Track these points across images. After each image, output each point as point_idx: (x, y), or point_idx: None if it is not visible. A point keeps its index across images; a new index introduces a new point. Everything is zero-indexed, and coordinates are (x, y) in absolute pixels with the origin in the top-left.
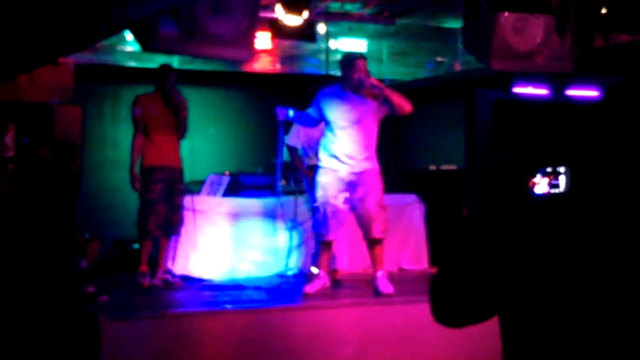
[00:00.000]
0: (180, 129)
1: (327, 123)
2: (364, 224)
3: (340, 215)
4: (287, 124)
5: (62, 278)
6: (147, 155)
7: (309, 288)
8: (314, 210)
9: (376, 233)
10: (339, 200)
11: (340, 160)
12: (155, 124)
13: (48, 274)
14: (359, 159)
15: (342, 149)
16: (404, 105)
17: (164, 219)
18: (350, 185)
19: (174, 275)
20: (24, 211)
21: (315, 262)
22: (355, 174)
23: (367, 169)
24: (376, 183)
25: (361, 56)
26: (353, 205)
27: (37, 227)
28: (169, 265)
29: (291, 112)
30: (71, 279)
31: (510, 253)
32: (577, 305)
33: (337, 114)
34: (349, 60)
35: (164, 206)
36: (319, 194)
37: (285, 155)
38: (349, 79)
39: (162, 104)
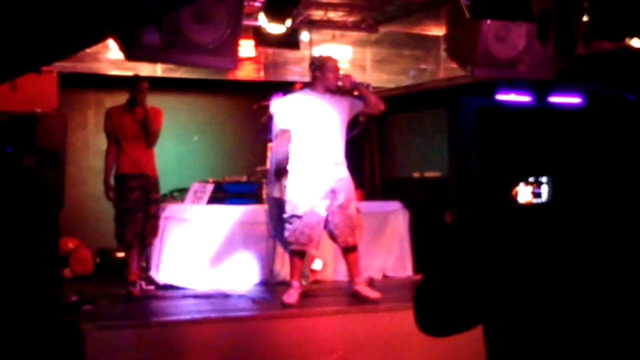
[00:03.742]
0: (149, 139)
1: (299, 130)
2: (343, 231)
3: (321, 224)
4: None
5: (45, 287)
6: (121, 164)
7: (288, 298)
8: (293, 219)
9: (355, 239)
10: (320, 208)
11: (317, 168)
12: (126, 135)
13: (31, 284)
14: (337, 163)
15: (318, 155)
16: (379, 103)
17: (140, 228)
18: (331, 193)
19: (148, 283)
20: (6, 220)
21: (291, 272)
22: (334, 180)
23: (344, 176)
24: (352, 188)
25: (333, 57)
26: (332, 213)
27: (20, 237)
28: (153, 273)
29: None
30: (55, 288)
31: (493, 262)
32: (559, 314)
33: (311, 118)
34: (322, 60)
35: (141, 214)
36: (300, 203)
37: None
38: (322, 79)
39: (131, 115)
